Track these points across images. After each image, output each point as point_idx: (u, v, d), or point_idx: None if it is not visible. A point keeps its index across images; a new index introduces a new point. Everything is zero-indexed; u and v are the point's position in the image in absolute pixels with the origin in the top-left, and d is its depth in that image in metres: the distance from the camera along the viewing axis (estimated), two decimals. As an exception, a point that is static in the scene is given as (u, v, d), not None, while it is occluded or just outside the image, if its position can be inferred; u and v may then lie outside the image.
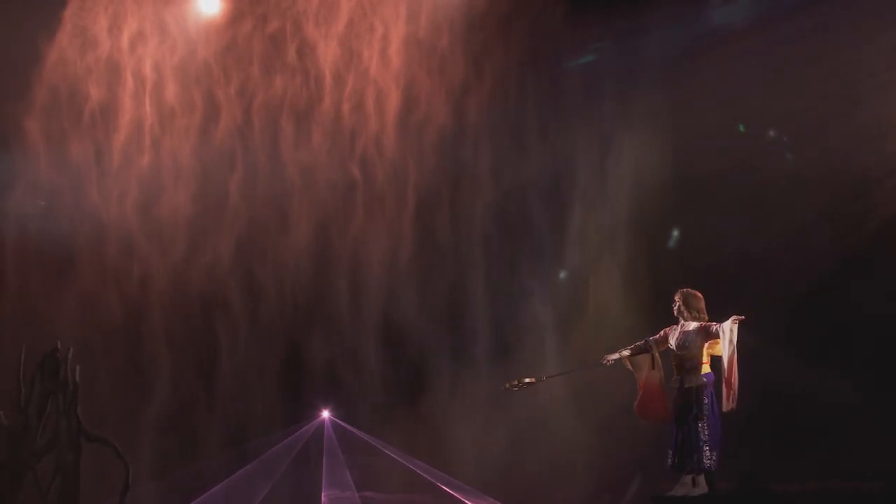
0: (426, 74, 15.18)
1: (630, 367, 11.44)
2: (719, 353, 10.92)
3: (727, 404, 10.77)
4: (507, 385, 11.90)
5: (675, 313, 11.30)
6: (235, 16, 15.16)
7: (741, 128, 14.93)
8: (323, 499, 13.90)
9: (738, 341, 10.68)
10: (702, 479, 10.99)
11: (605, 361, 11.54)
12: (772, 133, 14.87)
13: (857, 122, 14.12)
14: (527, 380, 11.85)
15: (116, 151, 15.04)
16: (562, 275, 15.36)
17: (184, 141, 15.11)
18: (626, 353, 11.41)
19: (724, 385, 10.79)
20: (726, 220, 14.49)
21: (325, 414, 15.02)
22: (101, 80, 14.94)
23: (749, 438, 13.04)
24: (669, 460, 11.14)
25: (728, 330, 10.70)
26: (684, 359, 11.10)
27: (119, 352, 14.73)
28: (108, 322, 14.77)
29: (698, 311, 11.16)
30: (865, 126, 14.22)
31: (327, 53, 15.19)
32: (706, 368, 11.06)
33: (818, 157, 14.16)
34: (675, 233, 15.18)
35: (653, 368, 11.28)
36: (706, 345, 11.03)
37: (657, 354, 11.30)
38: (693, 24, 15.02)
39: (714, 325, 10.95)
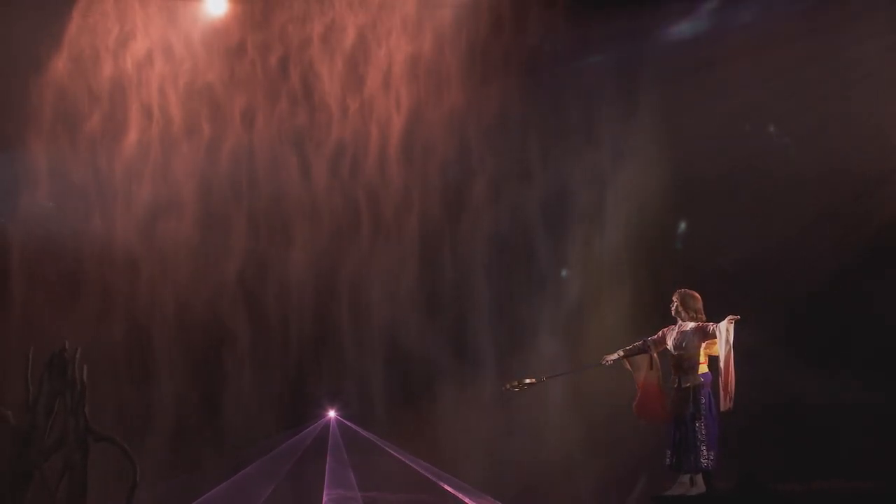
0: (430, 101, 15.31)
1: (629, 367, 11.51)
2: (717, 354, 10.95)
3: (724, 404, 10.82)
4: (508, 386, 11.97)
5: (673, 313, 11.35)
6: (240, 41, 15.30)
7: (747, 127, 15.01)
8: (325, 498, 13.97)
9: (734, 341, 10.75)
10: (699, 478, 11.05)
11: (604, 362, 11.60)
12: (773, 134, 14.93)
13: (859, 122, 14.15)
14: (527, 381, 11.90)
15: (119, 173, 15.23)
16: (563, 273, 15.46)
17: (187, 165, 15.27)
18: (624, 353, 11.52)
19: (721, 385, 10.86)
20: (727, 221, 14.57)
21: (332, 414, 15.13)
22: (104, 101, 15.11)
23: (749, 438, 13.11)
24: (668, 460, 11.20)
25: (724, 330, 10.74)
26: (682, 359, 11.15)
27: (124, 361, 14.91)
28: (114, 330, 14.96)
29: (696, 312, 11.20)
30: (868, 126, 14.25)
31: (332, 80, 15.33)
32: (704, 368, 11.10)
33: (820, 157, 14.19)
34: (682, 226, 15.24)
35: (651, 369, 11.33)
36: (703, 345, 11.08)
37: (655, 355, 11.35)
38: (694, 27, 15.10)
39: (711, 326, 11.00)
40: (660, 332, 11.41)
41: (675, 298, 11.33)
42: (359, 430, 14.79)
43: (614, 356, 11.50)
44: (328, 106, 15.39)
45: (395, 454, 14.45)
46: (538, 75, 15.36)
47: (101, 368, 13.01)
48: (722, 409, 10.88)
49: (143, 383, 14.98)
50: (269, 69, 15.36)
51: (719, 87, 14.49)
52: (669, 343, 11.26)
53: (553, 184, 15.29)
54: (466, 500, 13.93)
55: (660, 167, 14.68)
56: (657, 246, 14.87)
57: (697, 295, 11.29)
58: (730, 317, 10.74)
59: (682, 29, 15.05)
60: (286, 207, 15.41)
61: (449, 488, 14.03)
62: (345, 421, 14.96)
